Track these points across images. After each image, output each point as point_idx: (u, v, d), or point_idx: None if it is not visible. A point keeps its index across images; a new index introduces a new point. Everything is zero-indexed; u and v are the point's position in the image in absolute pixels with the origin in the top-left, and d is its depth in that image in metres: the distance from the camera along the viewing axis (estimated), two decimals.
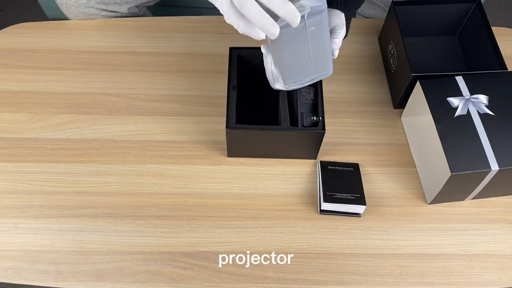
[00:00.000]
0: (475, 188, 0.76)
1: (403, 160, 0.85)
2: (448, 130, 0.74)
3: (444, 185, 0.73)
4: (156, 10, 1.22)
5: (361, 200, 0.77)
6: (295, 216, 0.79)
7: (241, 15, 0.54)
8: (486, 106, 0.76)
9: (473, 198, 0.80)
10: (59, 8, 1.01)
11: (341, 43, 0.71)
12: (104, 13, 1.02)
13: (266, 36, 0.56)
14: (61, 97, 0.91)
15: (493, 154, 0.72)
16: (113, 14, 1.03)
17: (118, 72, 0.94)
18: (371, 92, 0.93)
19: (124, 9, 1.03)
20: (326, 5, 0.61)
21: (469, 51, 0.95)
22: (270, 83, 0.72)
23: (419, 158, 0.84)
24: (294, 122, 0.78)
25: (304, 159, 0.84)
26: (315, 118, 0.78)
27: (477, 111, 0.76)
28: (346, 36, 0.75)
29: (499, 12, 2.01)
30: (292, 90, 0.77)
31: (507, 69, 0.83)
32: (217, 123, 0.88)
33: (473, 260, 0.76)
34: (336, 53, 0.71)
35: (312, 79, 0.71)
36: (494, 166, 0.71)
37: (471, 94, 0.77)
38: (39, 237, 0.76)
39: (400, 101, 0.89)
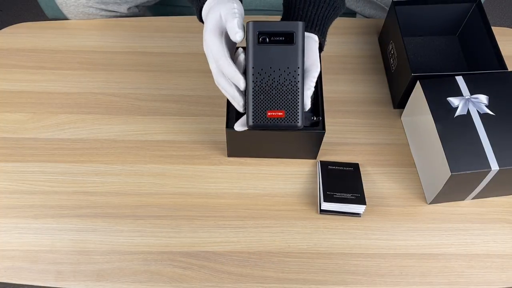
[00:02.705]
0: (475, 188, 0.76)
1: (403, 160, 0.85)
2: (448, 130, 0.74)
3: (444, 185, 0.73)
4: (156, 10, 1.22)
5: (361, 200, 0.77)
6: (295, 216, 0.79)
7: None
8: (486, 106, 0.76)
9: (473, 198, 0.80)
10: (59, 8, 1.01)
11: (313, 88, 0.63)
12: (103, 13, 1.02)
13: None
14: (61, 97, 0.91)
15: (493, 154, 0.72)
16: (113, 14, 1.03)
17: (118, 72, 0.94)
18: (371, 92, 0.93)
19: (123, 9, 1.03)
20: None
21: (469, 51, 0.95)
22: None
23: (419, 158, 0.84)
24: None
25: (304, 159, 0.84)
26: (315, 118, 0.78)
27: (477, 111, 0.76)
28: (322, 50, 0.70)
29: (499, 12, 2.01)
30: None
31: (507, 69, 0.83)
32: (217, 123, 0.88)
33: (473, 260, 0.76)
34: (308, 103, 0.61)
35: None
36: (494, 166, 0.71)
37: (471, 94, 0.77)
38: (39, 237, 0.76)
39: (400, 101, 0.89)
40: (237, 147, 0.81)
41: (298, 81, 0.59)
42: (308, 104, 0.61)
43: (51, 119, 0.88)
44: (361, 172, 0.82)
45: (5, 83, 0.92)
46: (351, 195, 0.78)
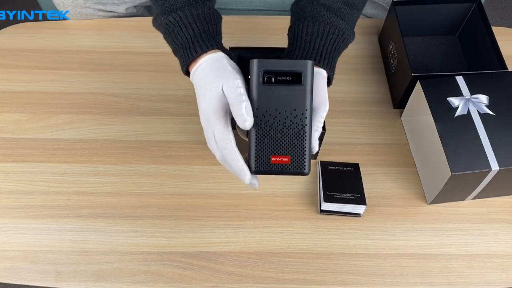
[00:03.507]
0: (475, 188, 0.76)
1: (403, 160, 0.85)
2: (448, 130, 0.74)
3: (444, 185, 0.73)
4: None
5: (361, 200, 0.77)
6: (295, 216, 0.79)
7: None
8: (486, 106, 0.76)
9: (473, 198, 0.80)
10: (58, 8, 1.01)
11: (321, 129, 0.59)
12: (101, 13, 1.01)
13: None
14: (61, 97, 0.91)
15: (493, 154, 0.72)
16: (111, 14, 1.03)
17: (118, 72, 0.94)
18: (371, 92, 0.93)
19: (121, 9, 1.03)
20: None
21: (469, 51, 0.95)
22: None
23: (419, 158, 0.84)
24: None
25: None
26: None
27: (477, 111, 0.76)
28: (330, 84, 0.64)
29: (499, 12, 2.01)
30: None
31: (507, 69, 0.83)
32: None
33: (474, 260, 0.76)
34: (316, 145, 0.57)
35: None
36: (494, 166, 0.71)
37: (471, 94, 0.77)
38: (39, 237, 0.76)
39: (400, 101, 0.89)
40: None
41: (306, 125, 0.55)
42: (315, 147, 0.57)
43: (51, 119, 0.88)
44: (361, 172, 0.82)
45: (5, 83, 0.92)
46: (351, 195, 0.78)
